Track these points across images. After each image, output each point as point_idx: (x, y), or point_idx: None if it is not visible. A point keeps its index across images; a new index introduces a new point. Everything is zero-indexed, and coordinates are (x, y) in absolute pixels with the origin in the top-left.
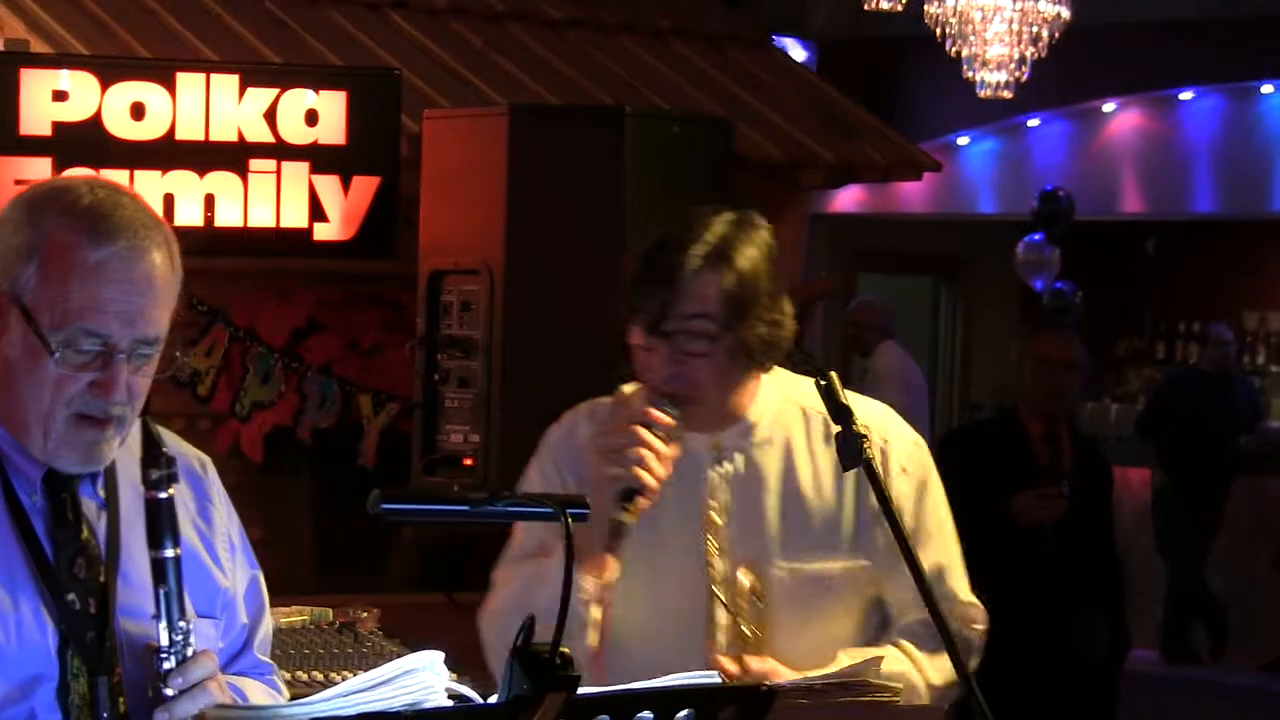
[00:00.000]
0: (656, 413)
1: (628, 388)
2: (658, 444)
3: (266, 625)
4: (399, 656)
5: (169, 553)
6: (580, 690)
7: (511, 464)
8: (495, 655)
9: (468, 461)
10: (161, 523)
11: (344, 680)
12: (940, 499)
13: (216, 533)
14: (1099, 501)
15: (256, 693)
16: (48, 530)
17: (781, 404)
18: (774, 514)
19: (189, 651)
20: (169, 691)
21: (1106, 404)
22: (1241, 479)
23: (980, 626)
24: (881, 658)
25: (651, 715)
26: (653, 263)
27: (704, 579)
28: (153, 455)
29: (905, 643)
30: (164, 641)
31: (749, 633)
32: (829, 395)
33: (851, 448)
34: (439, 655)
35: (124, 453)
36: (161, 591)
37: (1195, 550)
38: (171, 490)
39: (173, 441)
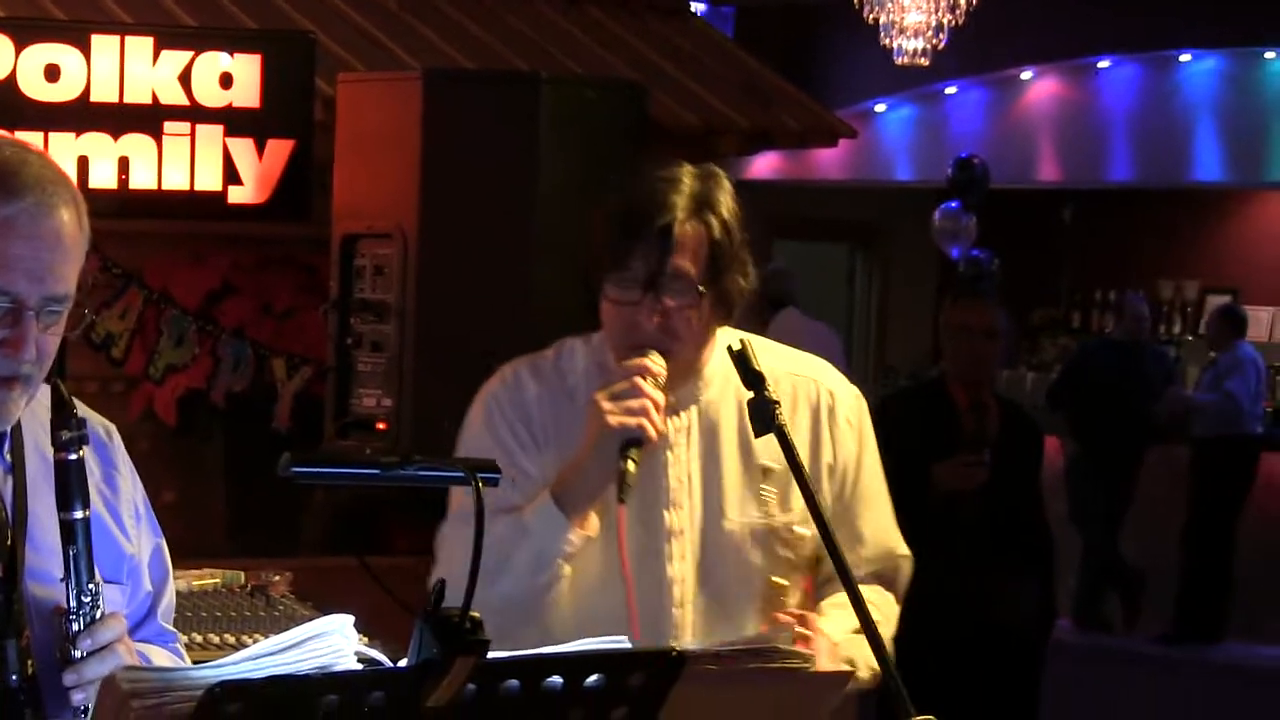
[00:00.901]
0: (653, 364)
1: (569, 341)
2: (657, 394)
3: (170, 594)
4: (311, 620)
5: (78, 514)
6: (489, 655)
7: (424, 428)
8: None
9: (381, 425)
10: (71, 484)
11: (255, 643)
12: (875, 451)
13: (122, 500)
14: (1026, 469)
15: (162, 659)
16: None
17: (728, 359)
18: (729, 468)
19: (97, 614)
20: (77, 653)
21: (1022, 372)
22: (1154, 447)
23: (907, 575)
24: (792, 622)
25: (561, 680)
26: (632, 218)
27: (657, 533)
28: (64, 417)
29: (865, 588)
30: (72, 604)
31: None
32: (741, 360)
33: (763, 414)
34: (349, 619)
35: (30, 417)
36: (71, 552)
37: (1109, 519)
38: (82, 452)
39: (82, 411)
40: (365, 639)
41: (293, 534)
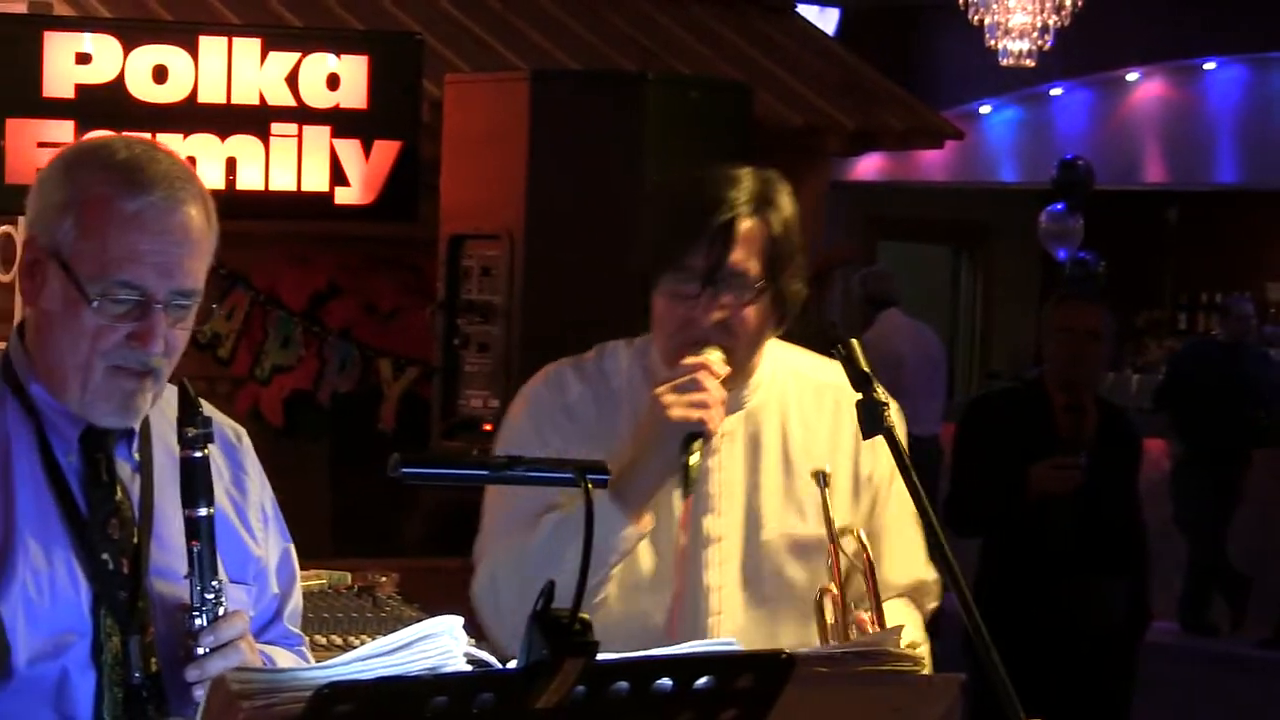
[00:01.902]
0: (714, 361)
1: (611, 344)
2: (718, 389)
3: (297, 597)
4: (417, 621)
5: (203, 512)
6: (599, 656)
7: None
8: (508, 615)
9: (487, 426)
10: (196, 482)
11: (362, 644)
12: (906, 464)
13: (250, 502)
14: (1123, 473)
15: (286, 661)
16: (83, 490)
17: (775, 366)
18: (770, 476)
19: (220, 611)
20: (200, 650)
21: (1127, 374)
22: (1262, 450)
23: (933, 602)
24: (902, 626)
25: (671, 683)
26: (692, 213)
27: (697, 539)
28: (189, 415)
29: (897, 605)
30: (195, 600)
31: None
32: (849, 362)
33: (872, 415)
34: (458, 620)
35: (159, 416)
36: (194, 550)
37: (1215, 522)
38: (207, 450)
39: (209, 411)
40: (474, 640)
41: (398, 534)
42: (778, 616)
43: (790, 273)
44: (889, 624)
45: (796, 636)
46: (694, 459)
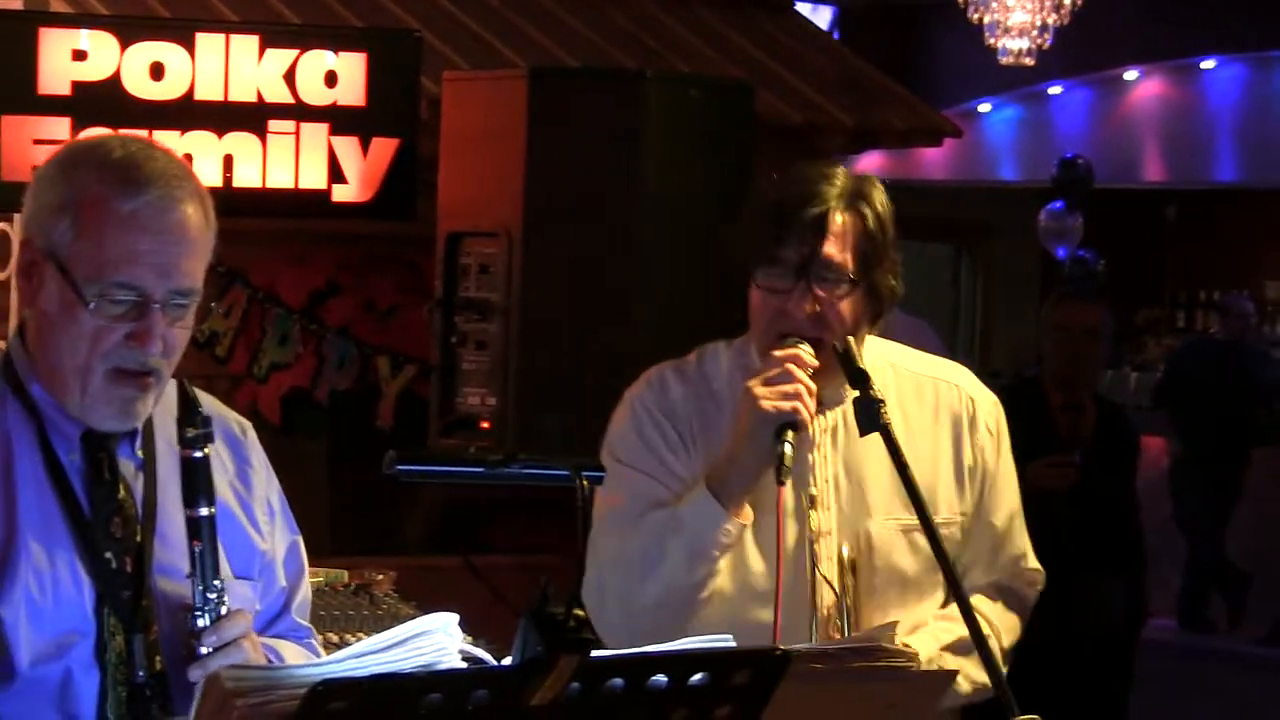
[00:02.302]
0: (804, 353)
1: (711, 346)
2: (809, 380)
3: (305, 589)
4: (414, 618)
5: (204, 511)
6: (594, 653)
7: (528, 426)
8: (614, 614)
9: (485, 424)
10: (197, 482)
11: (358, 642)
12: (1010, 458)
13: (255, 496)
14: (1120, 471)
15: (293, 655)
16: (85, 489)
17: (874, 360)
18: (874, 468)
19: (223, 610)
20: (203, 649)
21: (1126, 372)
22: (1261, 449)
23: (1039, 588)
24: (896, 623)
25: (666, 679)
26: (786, 206)
27: (803, 533)
28: (189, 414)
29: (981, 599)
30: (197, 600)
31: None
32: (845, 360)
33: (869, 413)
34: (453, 617)
35: (162, 413)
36: (196, 549)
37: (1214, 520)
38: (207, 450)
39: (213, 405)
40: (469, 638)
41: (396, 532)
42: (888, 606)
43: (885, 268)
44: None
45: (907, 624)
46: (787, 449)
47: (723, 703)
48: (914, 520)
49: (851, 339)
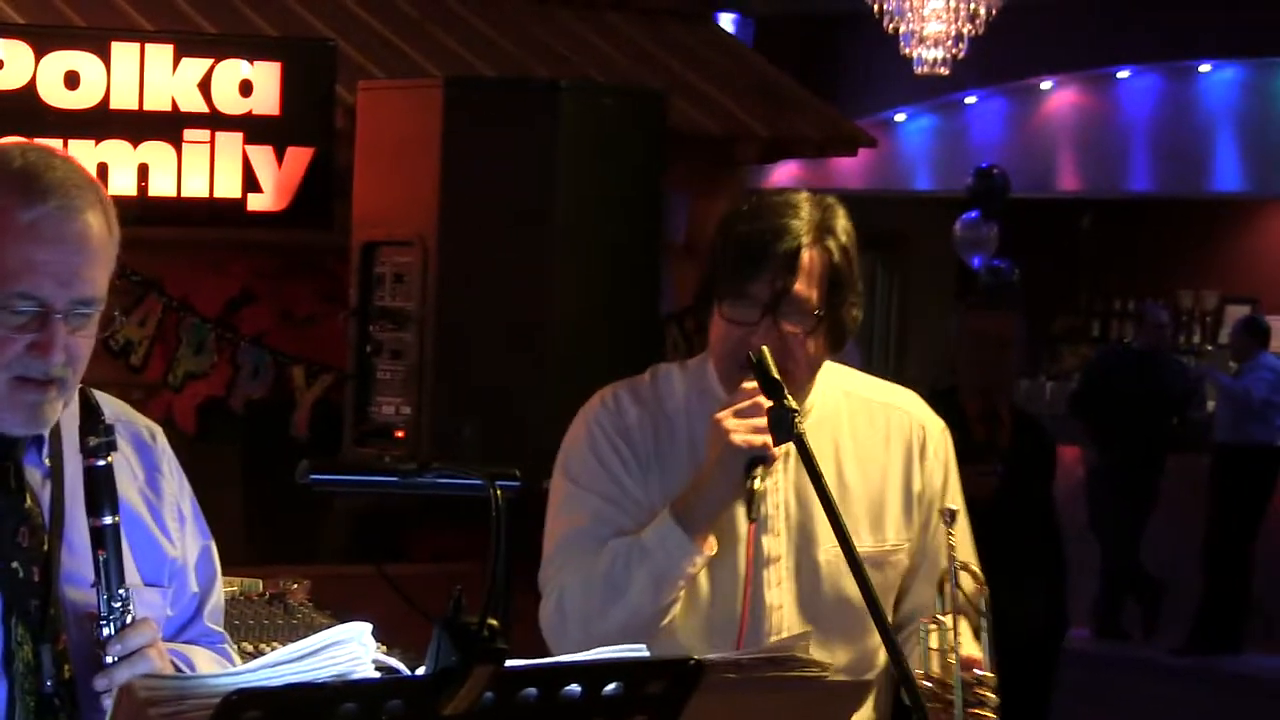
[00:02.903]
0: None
1: (664, 366)
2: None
3: (218, 594)
4: (329, 628)
5: (108, 520)
6: (508, 663)
7: (443, 436)
8: (574, 645)
9: (399, 433)
10: (100, 490)
11: (272, 651)
12: (958, 485)
13: (165, 502)
14: (1037, 479)
15: (204, 660)
16: None
17: (826, 385)
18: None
19: (128, 618)
20: (108, 658)
21: (1042, 381)
22: (1175, 457)
23: (985, 597)
24: (809, 631)
25: (580, 689)
26: (756, 241)
27: (756, 559)
28: (91, 423)
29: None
30: (103, 609)
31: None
32: (760, 370)
33: (783, 423)
34: (367, 626)
35: (69, 421)
36: (100, 559)
37: (1129, 528)
38: (110, 458)
39: (122, 411)
40: (383, 647)
41: (311, 542)
42: (832, 635)
43: (850, 300)
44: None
45: (851, 654)
46: (758, 484)
47: (636, 712)
48: (861, 549)
49: (765, 348)
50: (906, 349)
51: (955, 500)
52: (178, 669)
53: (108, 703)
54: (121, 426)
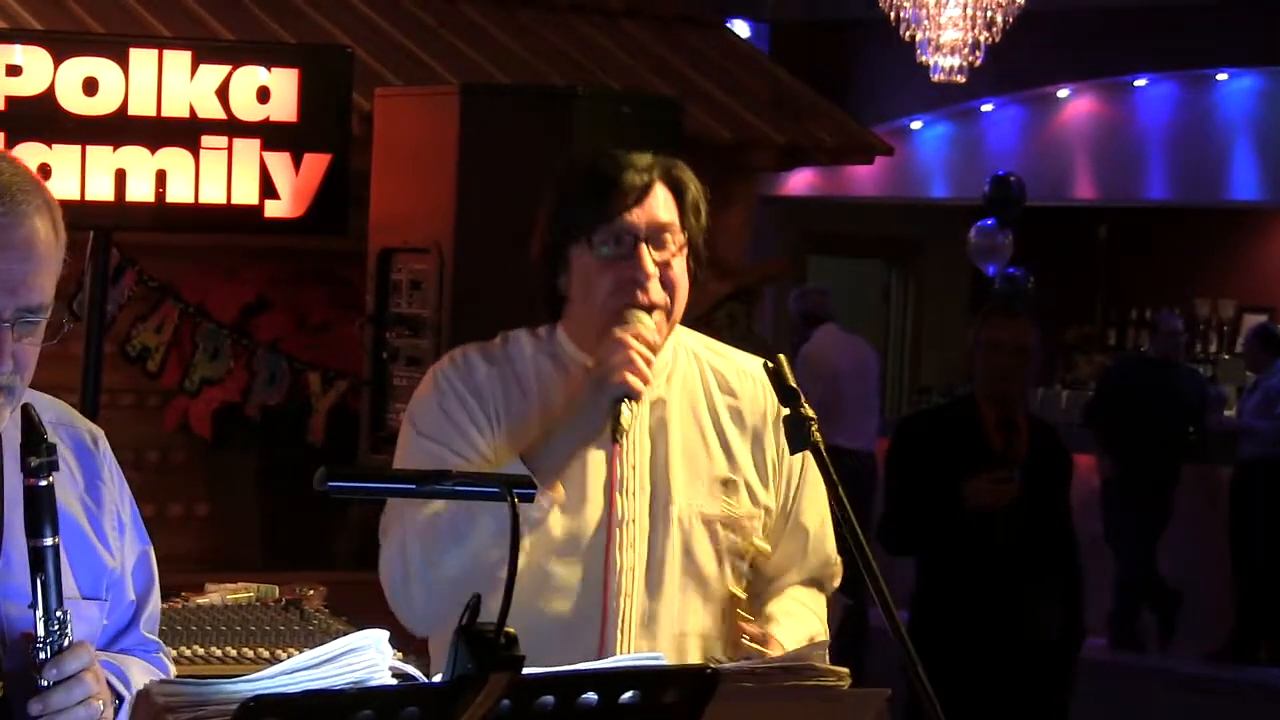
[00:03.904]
0: (646, 327)
1: (514, 332)
2: (647, 351)
3: (154, 603)
4: (345, 634)
5: (48, 541)
6: (525, 670)
7: None
8: (416, 585)
9: None
10: (41, 511)
11: (289, 657)
12: (813, 457)
13: (105, 511)
14: (1054, 488)
15: (138, 671)
16: None
17: (678, 347)
18: (677, 459)
19: (65, 641)
20: (43, 682)
21: (1057, 390)
22: (1191, 467)
23: (839, 580)
24: (827, 642)
25: (596, 697)
26: (609, 175)
27: (606, 520)
28: (33, 442)
29: (800, 590)
30: (40, 632)
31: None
32: (777, 378)
33: (800, 431)
34: (384, 634)
35: (12, 432)
36: (39, 580)
37: (1144, 538)
38: (51, 479)
39: (64, 413)
40: (400, 654)
41: (327, 548)
42: (686, 598)
43: (698, 228)
44: (800, 620)
45: (702, 620)
46: (624, 411)
47: None
48: (712, 511)
49: (783, 357)
50: (921, 356)
51: (814, 471)
52: (110, 684)
53: None
54: (64, 431)
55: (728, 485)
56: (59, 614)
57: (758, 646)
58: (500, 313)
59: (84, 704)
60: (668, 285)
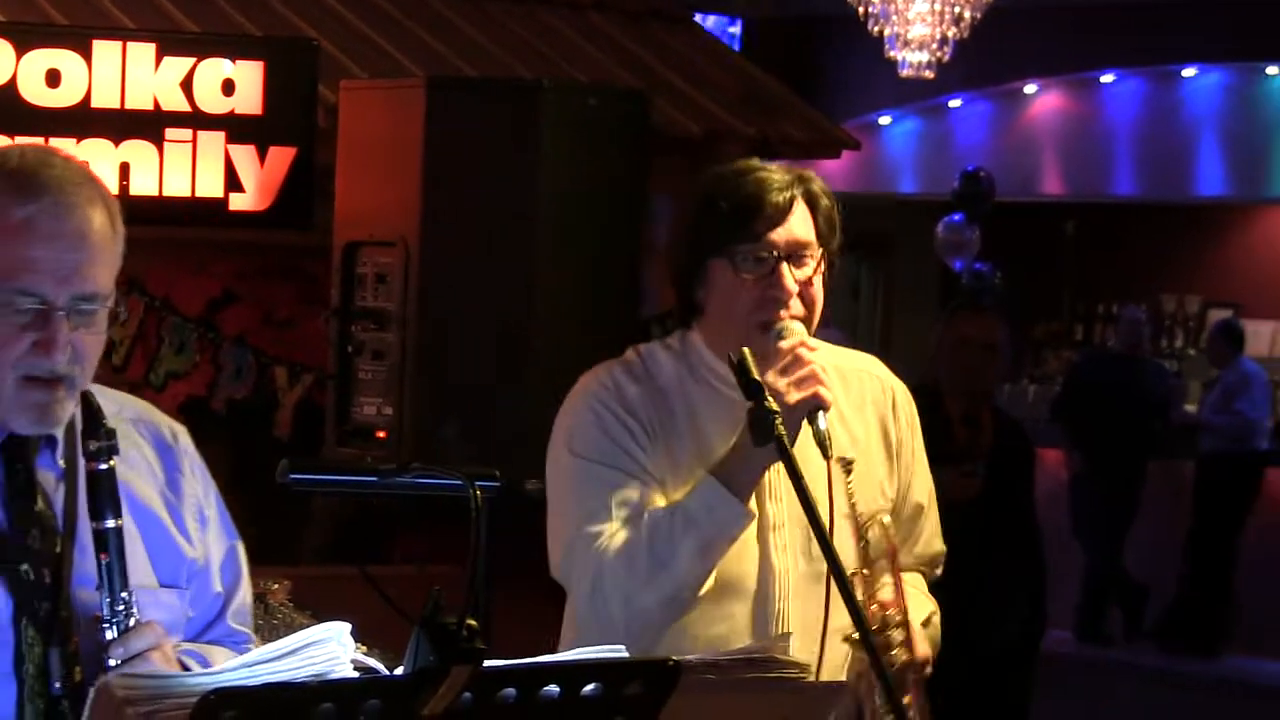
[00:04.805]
0: (800, 333)
1: (644, 346)
2: (818, 359)
3: (243, 595)
4: (309, 628)
5: (110, 524)
6: (486, 663)
7: (424, 436)
8: (620, 622)
9: (381, 434)
10: (102, 494)
11: (252, 650)
12: (922, 440)
13: (185, 503)
14: (1018, 483)
15: (221, 660)
16: (3, 501)
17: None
18: (814, 459)
19: (131, 622)
20: (111, 661)
21: (1025, 385)
22: (1157, 461)
23: (940, 569)
24: (789, 634)
25: (558, 689)
26: (751, 194)
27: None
28: (92, 427)
29: (914, 576)
30: (105, 612)
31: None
32: (741, 372)
33: (764, 424)
34: (346, 626)
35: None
36: (102, 562)
37: (1111, 532)
38: (112, 462)
39: (144, 410)
40: (363, 647)
41: (293, 542)
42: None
43: (836, 246)
44: (912, 607)
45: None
46: (821, 423)
47: (615, 713)
48: (862, 507)
49: (746, 350)
50: (890, 351)
51: (923, 454)
52: (187, 669)
53: None
54: (143, 427)
55: (873, 484)
56: (124, 595)
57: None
58: (465, 305)
59: None
60: (807, 302)
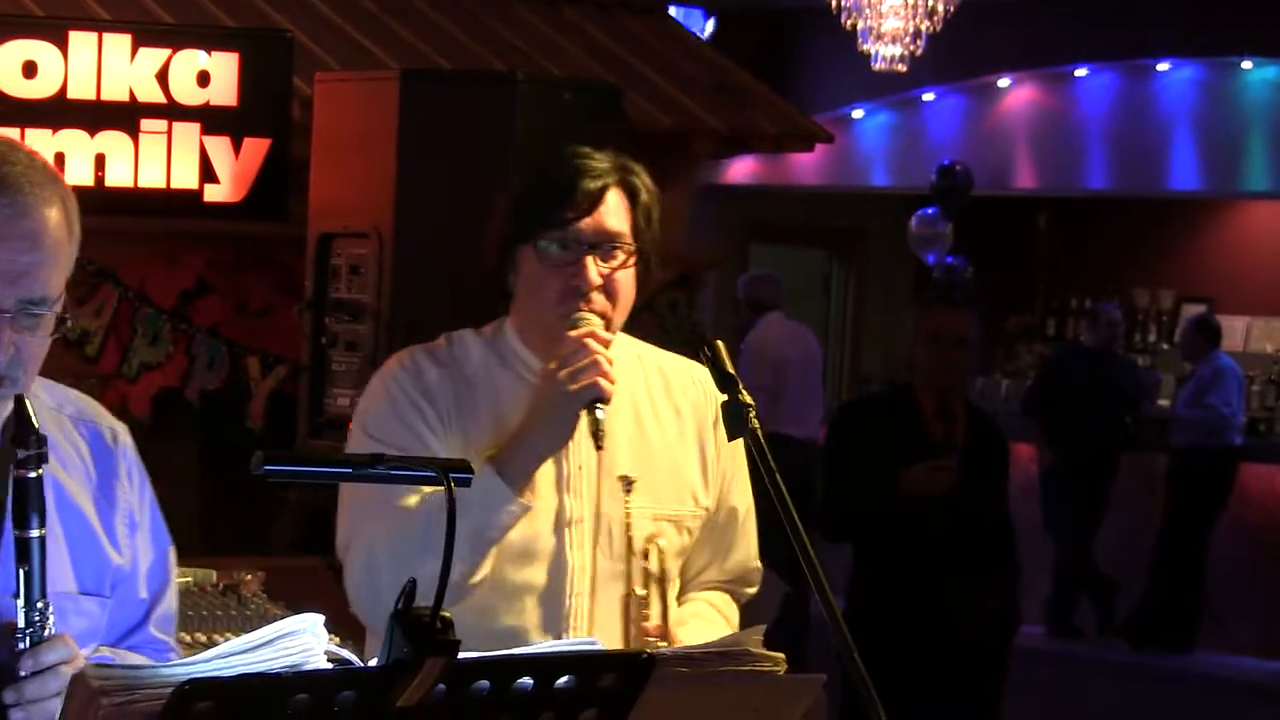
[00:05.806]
0: (596, 325)
1: (458, 333)
2: (608, 353)
3: (168, 603)
4: (282, 619)
5: (34, 533)
6: (460, 655)
7: None
8: (391, 599)
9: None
10: (29, 502)
11: (226, 641)
12: (745, 457)
13: (117, 509)
14: (992, 477)
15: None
16: None
17: (621, 350)
18: (624, 455)
19: (45, 633)
20: (21, 672)
21: (997, 379)
22: (1129, 456)
23: (755, 589)
24: (764, 627)
25: (532, 682)
26: (564, 181)
27: (557, 522)
28: (24, 434)
29: (715, 595)
30: (21, 622)
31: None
32: (714, 364)
33: (737, 417)
34: (319, 618)
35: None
36: (22, 571)
37: (1082, 526)
38: (40, 471)
39: (87, 407)
40: (336, 639)
41: (266, 533)
42: (632, 596)
43: (651, 235)
44: (690, 636)
45: (658, 609)
46: (599, 414)
47: (588, 705)
48: (664, 510)
49: (720, 343)
50: (862, 345)
51: (744, 472)
52: None
53: (17, 717)
54: (84, 426)
55: (675, 485)
56: (40, 605)
57: (657, 639)
58: (439, 298)
59: (59, 696)
60: (611, 295)
